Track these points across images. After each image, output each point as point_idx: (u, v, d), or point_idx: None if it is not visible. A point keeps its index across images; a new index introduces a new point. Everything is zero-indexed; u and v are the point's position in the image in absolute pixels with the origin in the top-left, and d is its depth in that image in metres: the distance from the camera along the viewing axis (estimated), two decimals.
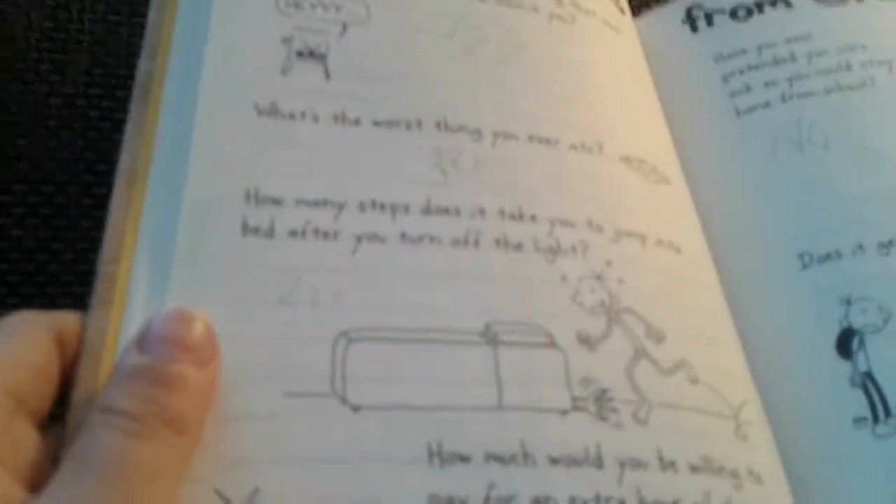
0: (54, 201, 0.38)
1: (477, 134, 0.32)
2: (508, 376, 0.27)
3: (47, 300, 0.35)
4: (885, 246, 0.34)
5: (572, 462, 0.26)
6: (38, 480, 0.22)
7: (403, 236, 0.29)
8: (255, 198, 0.28)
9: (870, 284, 0.33)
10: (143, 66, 0.30)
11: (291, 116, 0.30)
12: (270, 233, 0.28)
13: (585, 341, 0.29)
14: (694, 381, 0.29)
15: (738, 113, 0.39)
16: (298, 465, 0.24)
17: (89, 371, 0.25)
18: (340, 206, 0.29)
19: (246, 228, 0.28)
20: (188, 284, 0.27)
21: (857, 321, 0.32)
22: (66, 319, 0.25)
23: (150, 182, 0.28)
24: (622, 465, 0.26)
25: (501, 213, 0.30)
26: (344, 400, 0.26)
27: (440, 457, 0.25)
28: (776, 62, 0.39)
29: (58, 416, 0.24)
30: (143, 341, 0.24)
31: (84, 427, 0.22)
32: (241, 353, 0.26)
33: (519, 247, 0.30)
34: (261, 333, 0.26)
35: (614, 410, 0.27)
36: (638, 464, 0.27)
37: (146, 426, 0.22)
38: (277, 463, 0.24)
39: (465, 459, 0.25)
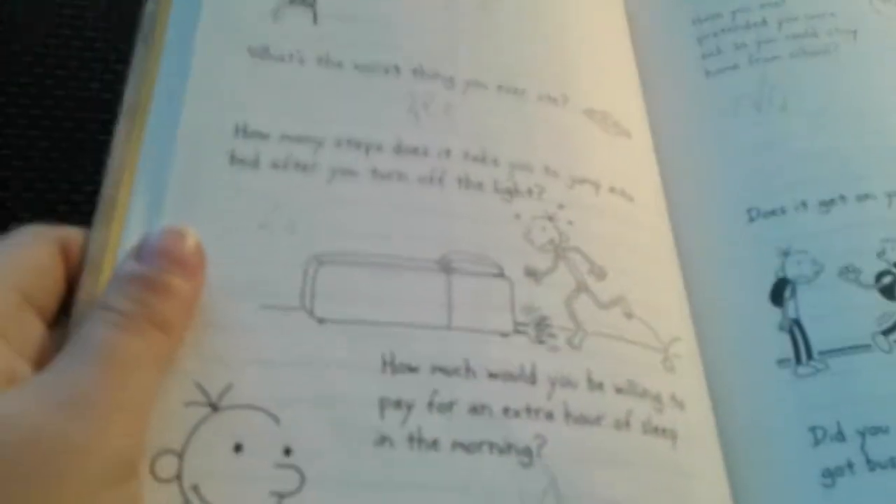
0: (75, 136, 0.41)
1: (450, 82, 0.35)
2: (459, 300, 0.31)
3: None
4: (826, 204, 0.36)
5: (509, 377, 0.29)
6: (42, 364, 0.25)
7: (375, 172, 0.32)
8: (244, 132, 0.32)
9: (808, 239, 0.36)
10: (148, 8, 0.34)
11: (280, 59, 0.33)
12: (255, 163, 0.31)
13: (532, 274, 0.32)
14: (629, 315, 0.32)
15: (707, 74, 0.41)
16: (268, 366, 0.28)
17: (91, 278, 0.28)
18: (319, 142, 0.32)
19: (234, 159, 0.31)
20: (181, 208, 0.30)
21: (791, 272, 0.35)
22: (71, 233, 0.29)
23: (150, 116, 0.32)
24: (553, 382, 0.30)
25: (466, 155, 0.34)
26: (311, 313, 0.29)
27: (392, 366, 0.29)
28: (748, 26, 0.42)
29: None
30: (140, 252, 0.28)
31: (84, 321, 0.26)
32: (225, 269, 0.29)
33: (479, 186, 0.33)
34: (242, 253, 0.30)
35: (552, 336, 0.31)
36: (568, 382, 0.30)
37: (136, 323, 0.26)
38: (250, 364, 0.28)
39: (413, 370, 0.29)
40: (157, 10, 0.34)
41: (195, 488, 0.26)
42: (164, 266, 0.27)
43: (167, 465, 0.26)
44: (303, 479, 0.26)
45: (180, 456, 0.26)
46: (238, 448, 0.27)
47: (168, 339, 0.27)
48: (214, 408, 0.27)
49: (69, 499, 0.22)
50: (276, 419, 0.27)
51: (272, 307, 0.29)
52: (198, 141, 0.31)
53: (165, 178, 0.31)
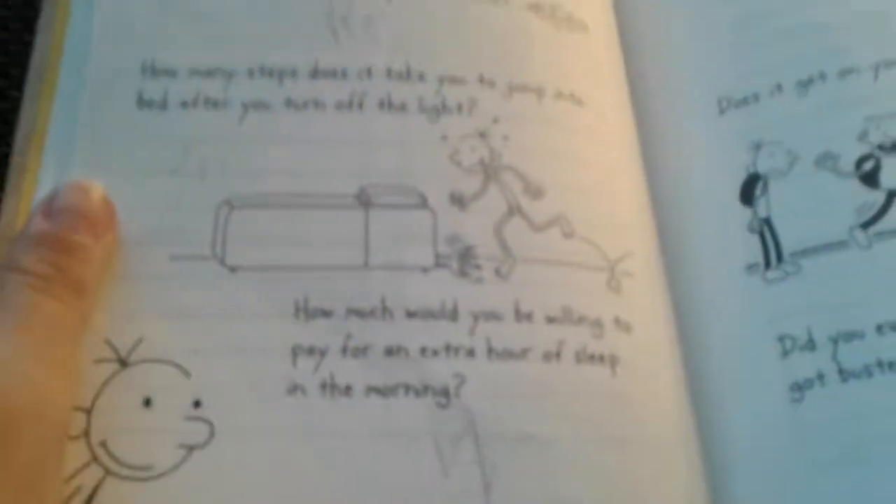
0: None
1: None
2: (376, 237, 0.29)
3: None
4: (804, 85, 0.32)
5: (428, 315, 0.28)
6: None
7: (289, 102, 0.30)
8: (151, 70, 0.30)
9: (782, 127, 0.32)
10: None
11: None
12: (164, 104, 0.30)
13: (457, 201, 0.30)
14: (569, 235, 0.30)
15: None
16: (178, 318, 0.28)
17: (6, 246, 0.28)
18: (230, 74, 0.30)
19: (142, 102, 0.30)
20: (90, 159, 0.29)
21: (763, 166, 0.31)
22: None
23: (60, 70, 0.30)
24: (476, 317, 0.28)
25: (389, 72, 0.31)
26: (223, 261, 0.28)
27: (305, 311, 0.28)
28: None
29: None
30: (47, 210, 0.27)
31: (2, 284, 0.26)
32: (135, 219, 0.29)
33: (403, 108, 0.31)
34: (152, 202, 0.29)
35: (477, 267, 0.29)
36: (492, 316, 0.28)
37: (52, 286, 0.26)
38: (160, 317, 0.28)
39: (327, 314, 0.28)
40: None
41: (103, 444, 0.26)
42: (71, 224, 0.27)
43: (75, 422, 0.26)
44: (212, 430, 0.26)
45: (88, 412, 0.26)
46: (147, 402, 0.27)
47: (83, 302, 0.26)
48: (123, 363, 0.27)
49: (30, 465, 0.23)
50: (186, 372, 0.27)
51: (183, 257, 0.28)
52: (105, 86, 0.30)
53: (74, 129, 0.30)
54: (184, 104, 0.30)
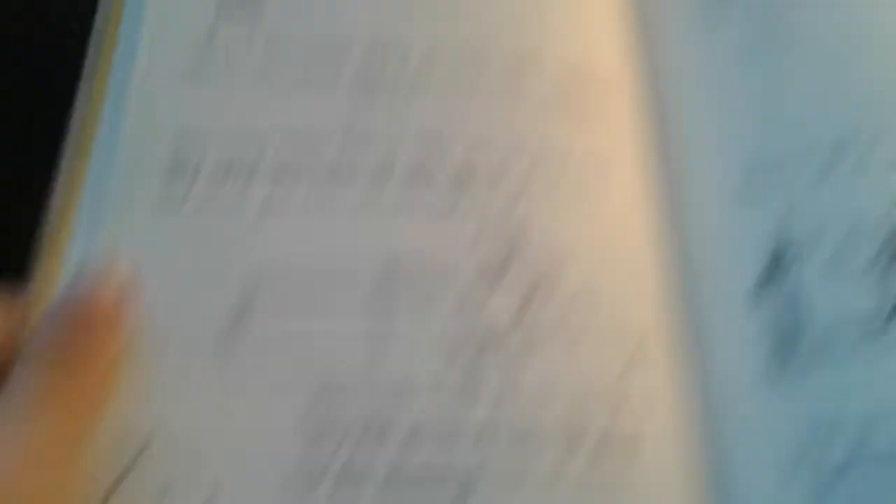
0: None
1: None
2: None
3: None
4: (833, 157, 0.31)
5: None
6: None
7: None
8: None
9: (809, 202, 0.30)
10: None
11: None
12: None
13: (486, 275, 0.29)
14: (592, 309, 0.29)
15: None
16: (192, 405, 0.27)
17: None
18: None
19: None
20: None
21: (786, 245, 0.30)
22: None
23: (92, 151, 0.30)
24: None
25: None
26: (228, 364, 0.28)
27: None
28: None
29: None
30: (51, 315, 0.27)
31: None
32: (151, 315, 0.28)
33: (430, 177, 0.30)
34: (164, 303, 0.28)
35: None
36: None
37: (66, 378, 0.26)
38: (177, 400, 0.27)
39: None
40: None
41: None
42: (75, 338, 0.26)
43: None
44: None
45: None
46: (164, 492, 0.26)
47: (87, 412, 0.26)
48: (139, 452, 0.27)
49: None
50: (202, 460, 0.26)
51: (190, 355, 0.28)
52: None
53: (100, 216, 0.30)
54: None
